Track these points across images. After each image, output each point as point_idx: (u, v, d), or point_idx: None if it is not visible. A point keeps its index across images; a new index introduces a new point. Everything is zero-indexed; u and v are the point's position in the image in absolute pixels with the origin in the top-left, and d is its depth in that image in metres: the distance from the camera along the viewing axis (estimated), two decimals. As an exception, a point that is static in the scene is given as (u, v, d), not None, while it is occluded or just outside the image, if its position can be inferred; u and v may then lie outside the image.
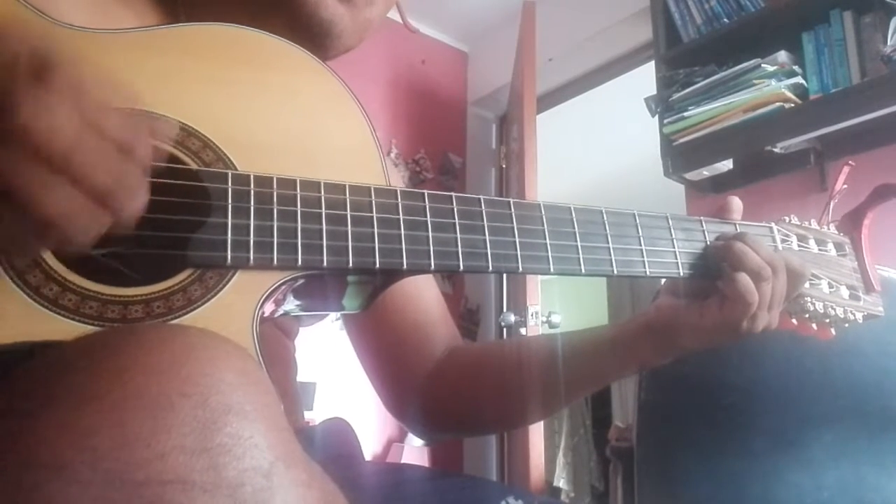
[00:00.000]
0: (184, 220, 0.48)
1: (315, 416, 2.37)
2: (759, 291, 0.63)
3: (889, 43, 1.93)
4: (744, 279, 0.63)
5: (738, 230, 0.69)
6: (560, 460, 4.76)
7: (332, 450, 0.70)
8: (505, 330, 3.08)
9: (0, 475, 0.31)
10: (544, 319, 2.49)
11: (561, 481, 4.73)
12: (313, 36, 0.66)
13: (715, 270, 0.66)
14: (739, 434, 1.05)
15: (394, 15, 0.83)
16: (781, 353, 1.00)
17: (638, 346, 0.69)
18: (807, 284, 0.70)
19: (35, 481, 0.30)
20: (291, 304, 0.55)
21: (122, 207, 0.40)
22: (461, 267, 0.56)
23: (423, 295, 0.80)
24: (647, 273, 0.64)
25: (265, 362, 0.45)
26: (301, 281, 0.52)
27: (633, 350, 0.69)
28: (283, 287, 0.51)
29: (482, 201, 0.58)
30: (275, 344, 0.70)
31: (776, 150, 2.17)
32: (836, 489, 0.98)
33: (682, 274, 0.65)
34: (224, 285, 0.48)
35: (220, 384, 0.34)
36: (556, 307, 2.64)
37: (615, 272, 0.62)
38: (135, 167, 0.41)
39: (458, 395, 0.77)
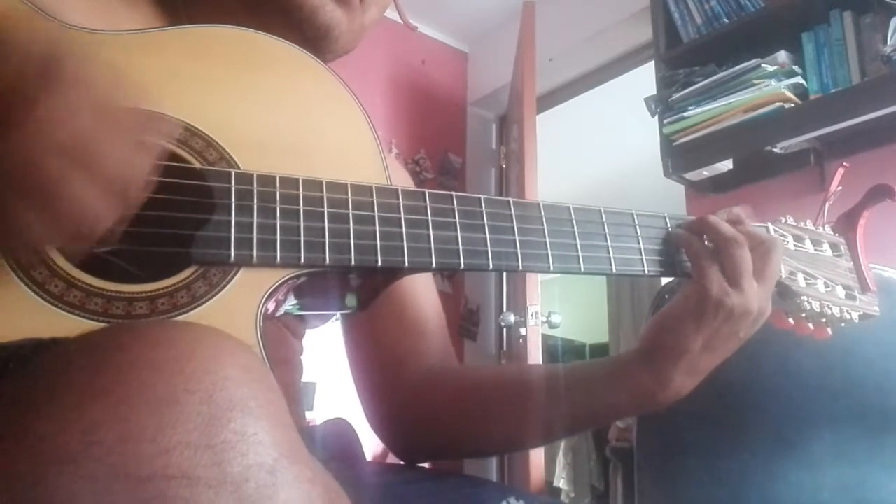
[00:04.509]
0: (188, 217, 0.48)
1: (315, 416, 2.37)
2: (723, 255, 0.63)
3: (889, 43, 1.93)
4: (694, 242, 0.64)
5: None
6: (560, 460, 4.76)
7: (333, 450, 0.70)
8: (505, 330, 3.09)
9: (5, 470, 0.31)
10: (544, 319, 2.49)
11: (561, 481, 4.73)
12: (310, 39, 0.66)
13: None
14: (739, 434, 1.05)
15: (393, 15, 0.84)
16: (781, 354, 1.00)
17: (634, 370, 0.66)
18: (803, 283, 0.70)
19: (40, 475, 0.30)
20: (293, 302, 0.56)
21: (131, 199, 0.41)
22: (462, 265, 0.56)
23: (419, 303, 0.77)
24: (646, 272, 0.64)
25: (269, 361, 0.46)
26: (303, 279, 0.52)
27: (628, 375, 0.67)
28: (286, 285, 0.51)
29: (482, 201, 0.59)
30: (280, 344, 0.70)
31: (776, 150, 2.17)
32: (836, 489, 0.98)
33: (678, 273, 0.66)
34: (228, 282, 0.49)
35: (224, 380, 0.34)
36: (556, 307, 2.63)
37: (614, 270, 0.63)
38: (144, 159, 0.42)
39: (445, 414, 0.74)
